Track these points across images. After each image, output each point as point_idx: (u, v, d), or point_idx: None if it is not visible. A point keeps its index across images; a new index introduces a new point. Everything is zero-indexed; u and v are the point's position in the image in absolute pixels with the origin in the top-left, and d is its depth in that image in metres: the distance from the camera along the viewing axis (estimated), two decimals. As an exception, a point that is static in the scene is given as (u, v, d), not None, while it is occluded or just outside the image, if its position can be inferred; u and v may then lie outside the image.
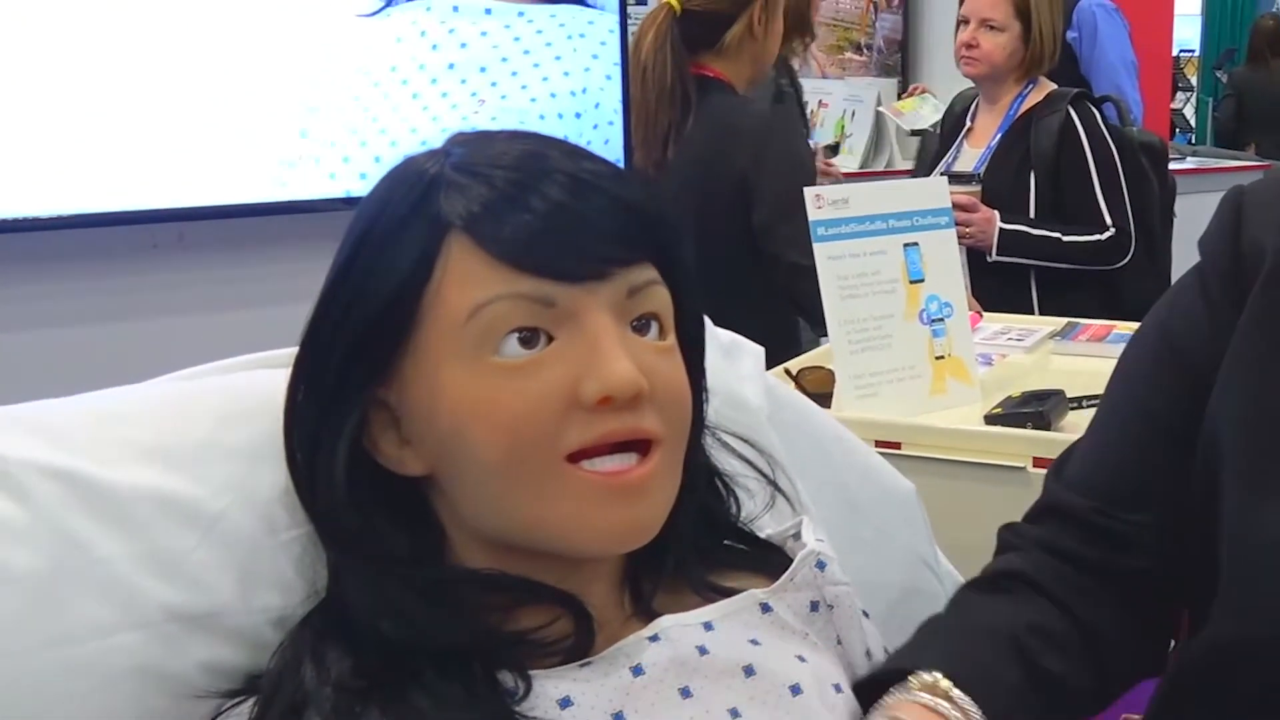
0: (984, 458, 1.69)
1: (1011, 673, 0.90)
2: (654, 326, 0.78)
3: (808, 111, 4.29)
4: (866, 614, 0.91)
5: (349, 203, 2.19)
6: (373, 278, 0.77)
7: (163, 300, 2.14)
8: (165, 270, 2.16)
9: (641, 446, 0.75)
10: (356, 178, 2.25)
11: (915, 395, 1.81)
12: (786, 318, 2.42)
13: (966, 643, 0.92)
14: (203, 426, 0.83)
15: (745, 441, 0.95)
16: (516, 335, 0.74)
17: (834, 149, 2.77)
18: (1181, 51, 9.20)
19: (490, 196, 0.75)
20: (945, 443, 1.72)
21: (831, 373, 1.83)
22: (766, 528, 0.94)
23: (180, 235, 2.15)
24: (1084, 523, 0.98)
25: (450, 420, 0.75)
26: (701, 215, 2.32)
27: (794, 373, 1.89)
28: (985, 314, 2.38)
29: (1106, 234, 2.72)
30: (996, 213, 2.72)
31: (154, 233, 2.14)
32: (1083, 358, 2.09)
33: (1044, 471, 1.62)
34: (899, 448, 1.69)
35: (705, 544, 0.88)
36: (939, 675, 0.85)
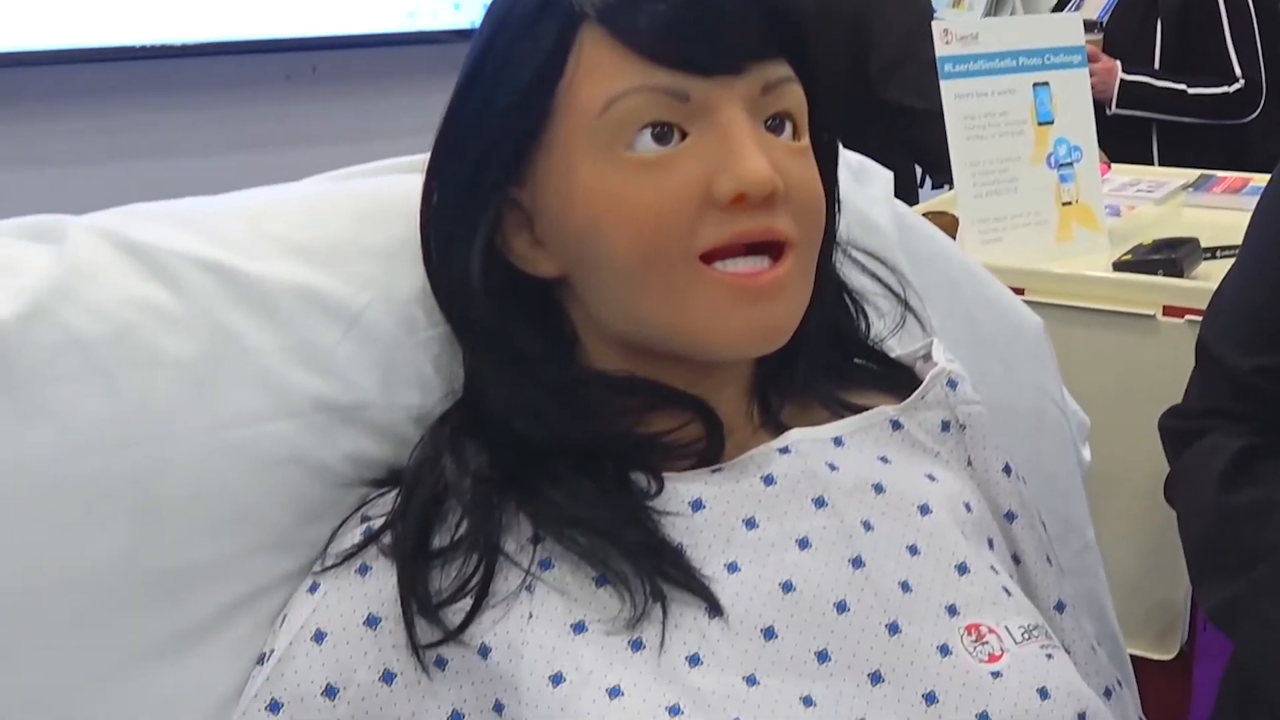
0: (1112, 305, 1.66)
1: None
2: (788, 126, 0.76)
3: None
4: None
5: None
6: (504, 74, 0.76)
7: (294, 130, 2.17)
8: (297, 101, 2.18)
9: (774, 250, 0.74)
10: (480, 7, 2.22)
11: (1041, 241, 1.78)
12: (905, 167, 2.38)
13: None
14: (344, 226, 0.84)
15: (876, 259, 0.94)
16: (650, 130, 0.73)
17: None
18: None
19: None
20: (1072, 289, 1.69)
21: (955, 218, 1.80)
22: (895, 349, 0.92)
23: (313, 67, 2.17)
24: (1240, 382, 0.97)
25: (583, 217, 0.74)
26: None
27: (916, 219, 1.86)
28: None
29: (1235, 85, 2.60)
30: (1118, 63, 2.60)
31: (287, 63, 2.16)
32: (1217, 210, 2.02)
33: (1174, 321, 1.62)
34: (1023, 293, 1.65)
35: (834, 360, 0.87)
36: None
